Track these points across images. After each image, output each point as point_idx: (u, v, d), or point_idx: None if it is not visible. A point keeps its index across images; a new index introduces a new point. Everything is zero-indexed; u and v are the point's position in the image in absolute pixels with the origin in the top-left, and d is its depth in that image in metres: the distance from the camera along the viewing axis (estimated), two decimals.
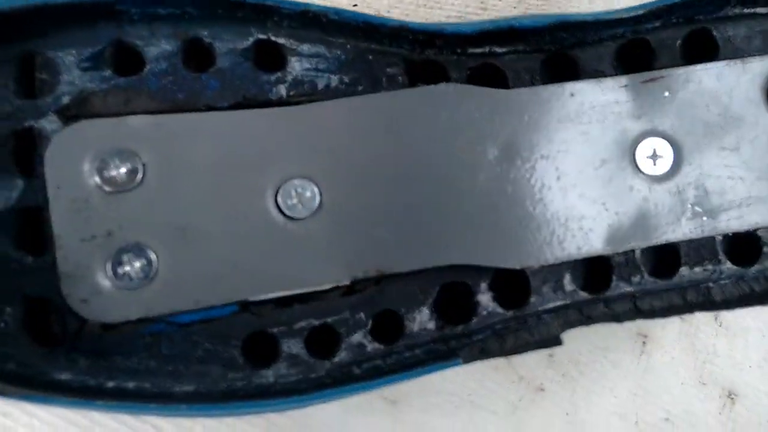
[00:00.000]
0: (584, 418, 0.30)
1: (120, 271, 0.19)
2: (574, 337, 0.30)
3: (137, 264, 0.19)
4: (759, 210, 0.24)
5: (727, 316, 0.33)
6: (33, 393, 0.17)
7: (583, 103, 0.23)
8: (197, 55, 0.21)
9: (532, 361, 0.29)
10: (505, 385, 0.29)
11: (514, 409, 0.29)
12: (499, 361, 0.29)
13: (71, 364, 0.19)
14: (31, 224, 0.19)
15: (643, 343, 0.31)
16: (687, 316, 0.32)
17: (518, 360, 0.29)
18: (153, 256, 0.20)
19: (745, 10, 0.24)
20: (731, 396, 0.32)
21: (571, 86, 0.23)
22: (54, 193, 0.19)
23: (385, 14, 0.34)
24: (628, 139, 0.23)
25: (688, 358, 0.32)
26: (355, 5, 0.34)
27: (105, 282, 0.19)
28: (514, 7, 0.34)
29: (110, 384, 0.19)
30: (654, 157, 0.23)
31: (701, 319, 0.33)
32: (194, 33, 0.21)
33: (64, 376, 0.18)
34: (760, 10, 0.24)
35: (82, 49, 0.20)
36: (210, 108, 0.21)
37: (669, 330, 0.32)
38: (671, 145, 0.23)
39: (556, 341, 0.22)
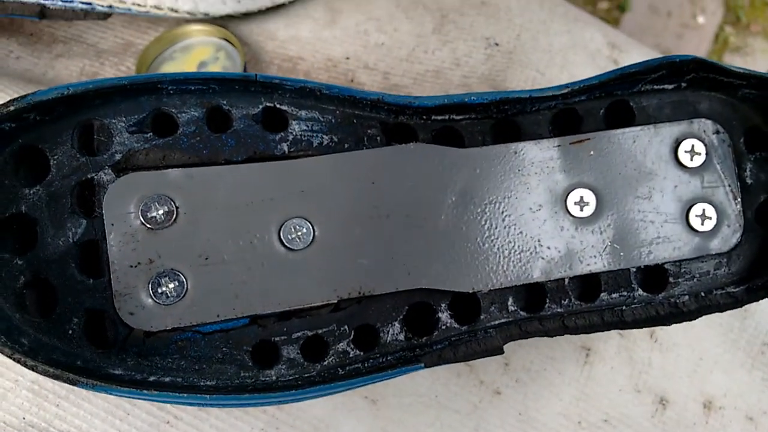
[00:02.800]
0: (534, 417, 0.34)
1: (158, 291, 0.24)
2: (527, 349, 0.35)
3: (171, 285, 0.25)
4: (666, 248, 0.28)
5: (661, 332, 0.37)
6: (96, 383, 0.22)
7: (524, 159, 0.28)
8: (218, 120, 0.26)
9: (491, 368, 0.34)
10: (467, 388, 0.33)
11: (475, 408, 0.34)
12: (462, 368, 0.34)
13: (121, 362, 0.24)
14: (91, 254, 0.24)
15: (587, 354, 0.36)
16: (626, 333, 0.37)
17: (479, 367, 0.34)
18: (184, 280, 0.25)
19: (656, 86, 0.29)
20: (662, 402, 0.36)
21: (514, 146, 0.27)
22: (110, 229, 0.24)
23: (372, 67, 0.39)
24: (560, 188, 0.28)
25: (626, 369, 0.36)
26: (348, 58, 0.40)
27: (147, 299, 0.24)
28: (483, 64, 0.39)
29: (151, 378, 0.24)
30: (581, 203, 0.28)
31: (638, 335, 0.37)
32: (216, 102, 0.26)
33: (117, 371, 0.23)
34: (667, 86, 0.29)
35: (130, 116, 0.25)
36: (228, 162, 0.26)
37: (610, 344, 0.36)
38: (595, 194, 0.28)
39: (499, 351, 0.27)
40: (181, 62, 0.39)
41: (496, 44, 0.38)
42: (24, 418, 0.29)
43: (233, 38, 0.39)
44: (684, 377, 0.36)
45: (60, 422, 0.29)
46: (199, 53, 0.39)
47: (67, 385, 0.29)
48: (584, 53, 0.39)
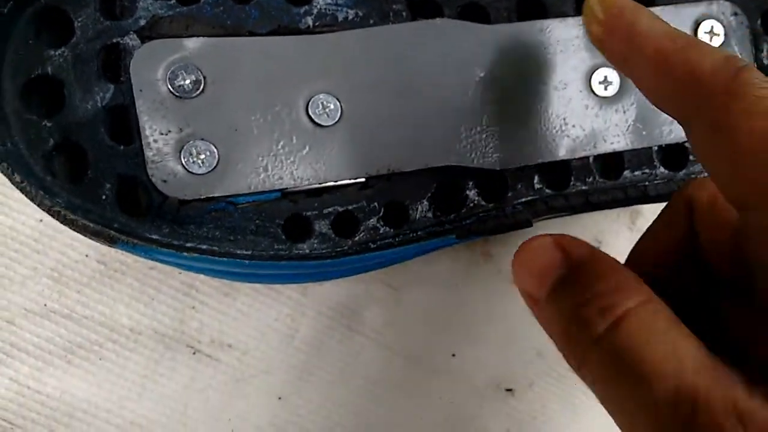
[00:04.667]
0: None
1: (190, 160, 0.24)
2: None
3: (203, 155, 0.24)
4: None
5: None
6: (137, 242, 0.22)
7: (550, 37, 0.28)
8: None
9: (509, 258, 0.35)
10: (486, 276, 0.34)
11: (492, 294, 0.34)
12: (480, 258, 0.34)
13: (157, 229, 0.23)
14: (120, 119, 0.24)
15: (598, 247, 0.37)
16: (635, 227, 0.37)
17: (497, 257, 0.34)
18: (214, 150, 0.24)
19: None
20: None
21: (540, 23, 0.27)
22: (138, 95, 0.23)
23: None
24: (585, 67, 0.28)
25: None
26: None
27: (179, 168, 0.24)
28: None
29: (189, 244, 0.23)
30: (605, 82, 0.28)
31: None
32: None
33: (154, 236, 0.23)
34: None
35: None
36: (252, 33, 0.25)
37: (620, 238, 0.36)
38: (618, 74, 0.28)
39: (528, 224, 0.27)
40: None
41: None
42: (45, 305, 0.29)
43: None
44: None
45: (82, 308, 0.29)
46: None
47: (87, 271, 0.29)
48: None
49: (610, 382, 0.17)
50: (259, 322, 0.31)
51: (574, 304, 0.18)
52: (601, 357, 0.17)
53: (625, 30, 0.21)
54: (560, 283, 0.19)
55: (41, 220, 0.29)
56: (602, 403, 0.18)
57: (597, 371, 0.18)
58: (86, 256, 0.29)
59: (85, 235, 0.21)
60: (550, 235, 0.20)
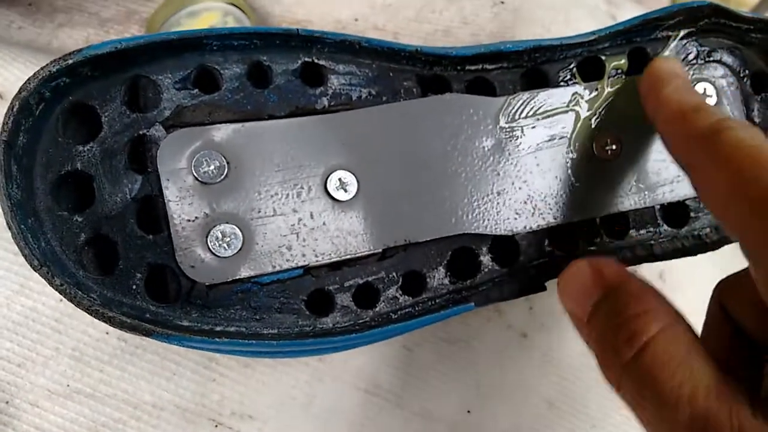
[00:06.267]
0: (558, 357, 0.36)
1: (217, 244, 0.25)
2: (550, 295, 0.37)
3: (228, 239, 0.25)
4: (686, 185, 0.30)
5: (669, 274, 0.40)
6: (171, 333, 0.22)
7: (552, 105, 0.29)
8: (259, 76, 0.26)
9: (518, 313, 0.35)
10: (496, 332, 0.35)
11: (503, 350, 0.35)
12: (491, 314, 0.35)
13: (186, 315, 0.24)
14: (149, 209, 0.24)
15: None
16: (637, 276, 0.39)
17: (507, 312, 0.35)
18: (239, 233, 0.25)
19: (670, 33, 0.31)
20: None
21: (543, 93, 0.29)
22: (165, 184, 0.24)
23: (381, 28, 0.40)
24: (588, 133, 0.30)
25: None
26: (357, 19, 0.40)
27: (206, 253, 0.24)
28: (490, 22, 0.40)
29: (218, 328, 0.24)
30: (607, 146, 0.30)
31: (649, 277, 0.39)
32: (257, 58, 0.26)
33: (184, 323, 0.23)
34: (681, 32, 0.31)
35: (176, 72, 0.25)
36: (272, 117, 0.26)
37: None
38: (618, 138, 0.29)
39: (542, 288, 0.28)
40: (188, 28, 0.38)
41: (502, 2, 0.39)
42: (68, 385, 0.29)
43: (241, 2, 0.38)
44: (692, 314, 0.38)
45: (105, 387, 0.29)
46: (206, 19, 0.39)
47: (108, 349, 0.29)
48: (584, 9, 0.40)
49: (639, 406, 0.20)
50: (278, 391, 0.31)
51: (608, 328, 0.21)
52: (631, 382, 0.20)
53: (654, 93, 0.26)
54: (596, 308, 0.22)
55: (61, 301, 0.29)
56: (640, 424, 0.20)
57: (629, 395, 0.20)
58: (106, 333, 0.29)
59: (122, 330, 0.22)
60: (586, 258, 0.24)
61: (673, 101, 0.25)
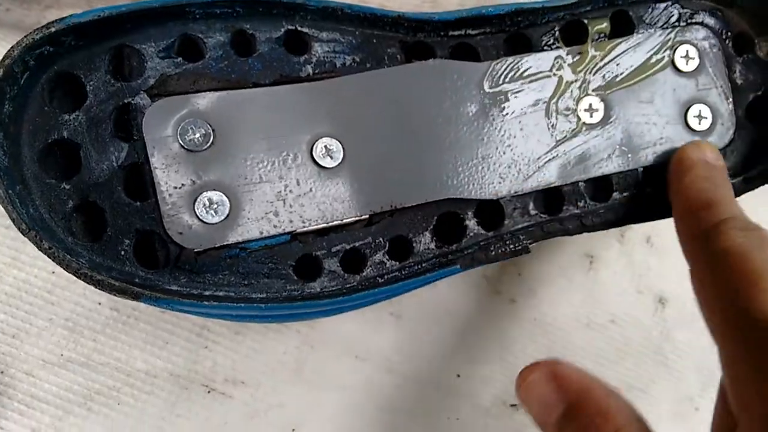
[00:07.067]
0: (547, 321, 0.36)
1: (203, 211, 0.25)
2: (538, 260, 0.37)
3: (214, 205, 0.25)
4: (668, 147, 0.30)
5: (656, 237, 0.40)
6: (159, 296, 0.22)
7: (536, 70, 0.29)
8: (243, 44, 0.26)
9: (506, 279, 0.36)
10: (485, 298, 0.35)
11: (493, 316, 0.36)
12: (479, 280, 0.35)
13: (175, 280, 0.24)
14: (136, 177, 0.25)
15: (590, 262, 0.38)
16: (624, 239, 0.39)
17: (495, 279, 0.36)
18: (226, 200, 0.25)
19: None
20: (662, 301, 0.39)
21: (527, 57, 0.29)
22: (152, 152, 0.24)
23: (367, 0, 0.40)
24: (571, 96, 0.30)
25: (627, 272, 0.38)
26: None
27: (194, 219, 0.25)
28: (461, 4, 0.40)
29: (207, 293, 0.24)
30: (590, 110, 0.30)
31: (636, 241, 0.39)
32: (240, 26, 0.26)
33: (173, 287, 0.24)
34: None
35: (159, 41, 0.25)
36: (256, 85, 0.26)
37: (611, 251, 0.38)
38: (602, 101, 0.29)
39: (526, 250, 0.29)
40: None
41: None
42: (62, 355, 0.29)
43: None
44: (680, 277, 0.38)
45: (99, 355, 0.30)
46: None
47: (101, 319, 0.30)
48: None
49: None
50: (269, 357, 0.32)
51: None
52: None
53: (675, 179, 0.28)
54: (562, 424, 0.22)
55: (54, 272, 0.29)
56: None
57: None
58: (99, 304, 0.30)
59: (111, 293, 0.22)
60: (543, 363, 0.23)
61: (689, 192, 0.27)
